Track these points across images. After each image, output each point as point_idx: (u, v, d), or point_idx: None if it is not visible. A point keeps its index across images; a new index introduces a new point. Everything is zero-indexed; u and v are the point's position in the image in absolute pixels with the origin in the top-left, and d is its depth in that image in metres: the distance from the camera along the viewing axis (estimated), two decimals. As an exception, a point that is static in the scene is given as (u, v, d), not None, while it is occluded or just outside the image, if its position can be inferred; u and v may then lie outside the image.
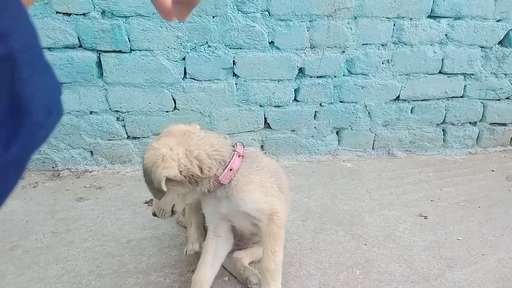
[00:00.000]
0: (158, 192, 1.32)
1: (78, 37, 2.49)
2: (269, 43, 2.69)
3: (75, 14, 2.45)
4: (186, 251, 1.68)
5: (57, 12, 2.43)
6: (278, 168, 1.61)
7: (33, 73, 0.36)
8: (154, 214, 1.49)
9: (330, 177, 2.73)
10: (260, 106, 2.85)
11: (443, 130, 3.18)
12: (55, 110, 0.40)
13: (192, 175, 1.34)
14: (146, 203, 2.31)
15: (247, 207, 1.41)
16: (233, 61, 2.69)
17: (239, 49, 2.67)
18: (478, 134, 3.24)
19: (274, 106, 2.87)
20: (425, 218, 2.19)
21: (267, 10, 2.61)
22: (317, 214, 2.22)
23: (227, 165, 1.38)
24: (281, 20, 2.64)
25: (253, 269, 1.63)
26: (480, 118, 3.19)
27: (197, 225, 1.72)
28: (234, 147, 1.46)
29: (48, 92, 0.39)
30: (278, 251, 1.46)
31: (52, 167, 2.75)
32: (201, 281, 1.46)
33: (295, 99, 2.88)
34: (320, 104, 2.92)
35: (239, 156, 1.42)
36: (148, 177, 1.32)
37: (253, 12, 2.59)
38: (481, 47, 2.96)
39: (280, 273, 1.48)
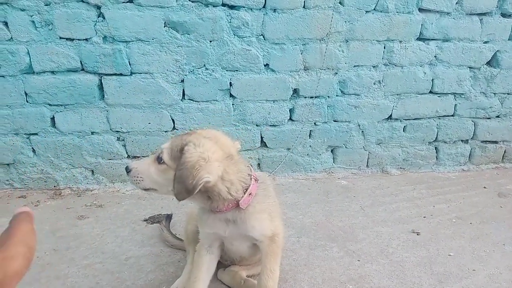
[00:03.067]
0: (183, 186, 1.24)
1: (81, 61, 2.60)
2: (264, 65, 2.80)
3: (78, 39, 2.56)
4: None
5: (60, 38, 2.54)
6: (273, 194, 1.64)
7: None
8: (128, 170, 1.36)
9: (326, 195, 2.78)
10: (257, 125, 2.93)
11: (435, 148, 3.26)
12: None
13: (213, 191, 1.32)
14: (145, 220, 2.36)
15: (254, 233, 1.46)
16: (230, 83, 2.79)
17: (236, 72, 2.77)
18: (470, 151, 3.31)
19: (270, 126, 2.95)
20: (418, 234, 2.23)
21: (262, 35, 2.72)
22: (312, 231, 2.27)
23: (247, 190, 1.38)
24: (276, 43, 2.75)
25: (253, 280, 1.68)
26: (472, 136, 3.27)
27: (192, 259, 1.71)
28: (249, 169, 1.46)
29: None
30: (276, 270, 1.52)
31: (54, 186, 2.81)
32: None
33: (290, 119, 2.97)
34: (314, 123, 3.00)
35: (255, 180, 1.45)
36: (185, 168, 1.24)
37: (249, 36, 2.70)
38: (469, 67, 3.07)
39: None
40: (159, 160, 1.30)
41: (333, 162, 3.16)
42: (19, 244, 0.65)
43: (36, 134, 2.72)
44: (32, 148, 2.74)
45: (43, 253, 2.00)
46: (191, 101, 2.79)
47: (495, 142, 3.33)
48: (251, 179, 1.41)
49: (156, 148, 2.83)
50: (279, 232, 1.51)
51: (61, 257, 1.98)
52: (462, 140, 3.28)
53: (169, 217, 2.27)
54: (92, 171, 2.85)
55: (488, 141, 3.31)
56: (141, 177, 1.34)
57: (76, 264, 1.92)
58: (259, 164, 3.03)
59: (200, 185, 1.23)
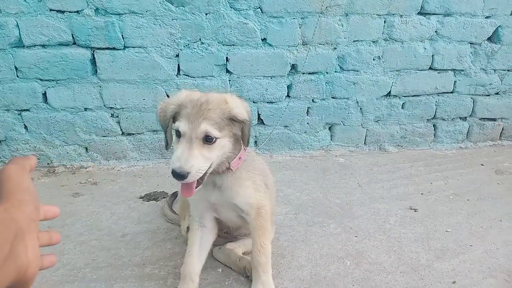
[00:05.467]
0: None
1: (72, 34, 2.51)
2: (262, 40, 2.72)
3: (69, 12, 2.46)
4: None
5: (50, 10, 2.44)
6: (265, 167, 1.67)
7: None
8: (185, 174, 1.23)
9: (323, 172, 2.77)
10: (254, 102, 2.88)
11: (433, 125, 3.23)
12: None
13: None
14: (141, 198, 2.34)
15: (238, 200, 1.47)
16: (226, 57, 2.72)
17: (232, 46, 2.70)
18: (468, 129, 3.29)
19: (267, 102, 2.90)
20: (415, 211, 2.23)
21: (259, 7, 2.64)
22: (310, 207, 2.26)
23: (238, 154, 1.43)
24: (273, 17, 2.67)
25: (248, 258, 1.66)
26: (470, 113, 3.24)
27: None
28: None
29: None
30: (267, 244, 1.52)
31: (48, 164, 2.76)
32: (190, 272, 1.50)
33: (287, 95, 2.92)
34: (312, 100, 2.96)
35: (245, 149, 1.48)
36: (250, 122, 1.38)
37: (246, 9, 2.62)
38: (470, 43, 3.01)
39: (270, 264, 1.54)
40: (210, 140, 1.28)
41: (331, 139, 3.13)
42: (20, 191, 0.60)
43: (27, 110, 2.65)
44: (24, 124, 2.68)
45: (38, 230, 1.97)
46: (187, 77, 2.73)
47: (493, 119, 3.31)
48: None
49: (151, 125, 2.78)
50: (264, 204, 1.51)
51: (56, 234, 1.95)
52: (460, 117, 3.25)
53: (175, 193, 2.24)
54: (86, 148, 2.80)
55: (486, 118, 3.29)
56: (200, 168, 1.27)
57: (71, 241, 1.90)
58: (256, 141, 2.99)
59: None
